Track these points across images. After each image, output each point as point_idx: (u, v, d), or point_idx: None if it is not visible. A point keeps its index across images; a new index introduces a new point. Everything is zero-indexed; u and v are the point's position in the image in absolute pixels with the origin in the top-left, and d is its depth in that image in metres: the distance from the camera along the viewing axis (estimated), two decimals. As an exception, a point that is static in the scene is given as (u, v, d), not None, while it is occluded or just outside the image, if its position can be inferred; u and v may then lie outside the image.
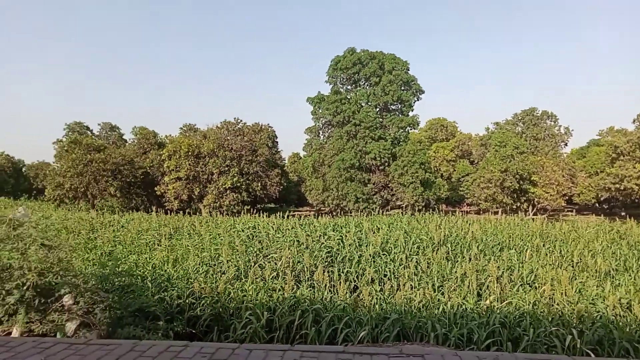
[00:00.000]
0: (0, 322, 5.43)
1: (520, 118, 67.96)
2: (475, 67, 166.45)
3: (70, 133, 59.36)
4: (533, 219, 22.14)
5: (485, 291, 8.81)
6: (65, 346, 3.88)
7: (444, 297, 8.23)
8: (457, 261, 11.28)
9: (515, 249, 12.85)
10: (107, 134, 65.32)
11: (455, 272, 9.90)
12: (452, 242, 13.21)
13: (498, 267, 9.89)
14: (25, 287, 5.47)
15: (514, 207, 44.63)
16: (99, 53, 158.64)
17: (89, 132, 62.86)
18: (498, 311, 7.38)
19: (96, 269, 7.69)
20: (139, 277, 8.75)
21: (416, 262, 10.81)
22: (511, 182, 43.94)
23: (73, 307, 5.69)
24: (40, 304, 5.56)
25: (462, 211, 30.39)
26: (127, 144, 61.43)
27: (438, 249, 12.26)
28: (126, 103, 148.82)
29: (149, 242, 15.09)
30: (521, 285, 9.45)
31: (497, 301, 8.04)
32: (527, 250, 12.32)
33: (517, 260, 11.37)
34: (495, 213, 40.42)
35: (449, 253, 11.99)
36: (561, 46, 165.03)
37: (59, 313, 5.58)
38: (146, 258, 12.09)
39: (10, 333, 5.40)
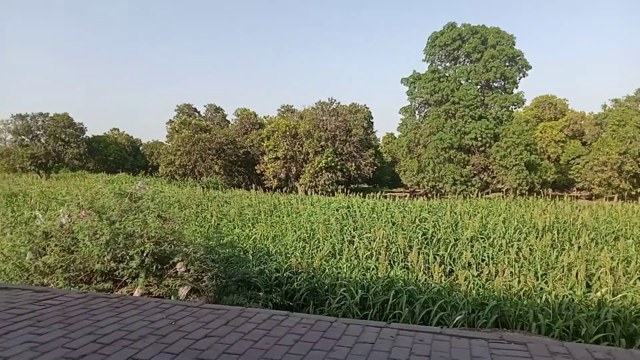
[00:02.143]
0: (125, 283, 6.13)
1: (644, 93, 60.52)
2: (591, 37, 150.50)
3: (180, 114, 64.08)
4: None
5: (595, 282, 8.16)
6: (182, 308, 4.32)
7: (547, 287, 7.78)
8: (564, 249, 10.54)
9: (633, 239, 11.67)
10: (212, 115, 69.46)
11: (562, 260, 9.28)
12: (558, 229, 12.34)
13: (612, 257, 9.09)
14: (144, 254, 6.12)
15: (633, 193, 40.25)
16: (204, 40, 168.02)
17: (196, 114, 67.37)
18: (610, 304, 6.82)
19: (203, 240, 8.32)
20: (241, 250, 9.36)
21: (517, 248, 10.29)
22: (631, 166, 39.56)
23: (185, 274, 6.25)
24: (157, 270, 6.18)
25: (571, 196, 28.08)
26: (229, 124, 64.97)
27: (542, 235, 11.53)
28: (229, 85, 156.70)
29: (250, 217, 15.98)
30: (639, 278, 8.61)
31: (610, 294, 7.42)
32: (647, 240, 11.16)
33: (636, 251, 10.33)
34: (610, 199, 36.81)
35: (554, 240, 11.24)
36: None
37: (173, 279, 6.16)
38: (248, 233, 12.86)
39: (132, 293, 6.09)
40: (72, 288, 5.71)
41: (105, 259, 5.95)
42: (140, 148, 74.66)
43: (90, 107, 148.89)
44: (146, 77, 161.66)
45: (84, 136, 60.51)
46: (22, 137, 55.53)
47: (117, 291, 5.89)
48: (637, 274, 8.71)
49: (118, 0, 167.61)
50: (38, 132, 56.82)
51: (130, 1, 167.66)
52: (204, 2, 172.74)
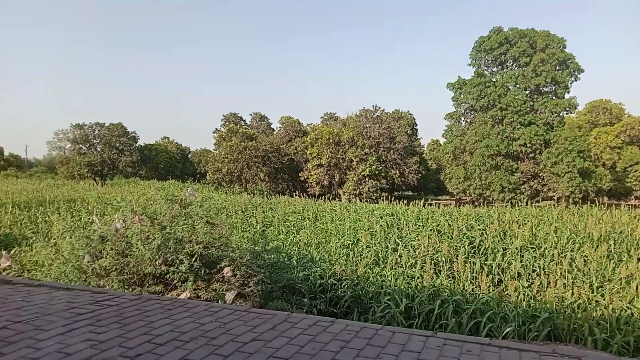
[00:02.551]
0: (175, 286, 6.35)
1: None
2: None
3: (227, 123, 65.75)
4: None
5: (658, 297, 7.71)
6: (230, 312, 4.43)
7: (603, 299, 7.42)
8: (622, 261, 10.01)
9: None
10: (258, 124, 70.86)
11: (619, 272, 8.82)
12: (615, 239, 11.73)
13: (676, 270, 8.55)
14: (193, 258, 6.32)
15: (700, 202, 37.69)
16: (250, 48, 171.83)
17: (242, 122, 68.95)
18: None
19: (250, 245, 8.49)
20: (286, 256, 9.48)
21: (570, 258, 9.87)
22: (697, 173, 37.12)
23: (231, 279, 6.40)
24: (205, 274, 6.36)
25: (629, 205, 26.61)
26: (274, 132, 66.01)
27: (597, 245, 11.00)
28: (273, 93, 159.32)
29: (294, 224, 16.14)
30: None
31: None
32: None
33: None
34: (674, 209, 34.54)
35: (611, 251, 10.70)
36: None
37: (220, 283, 6.32)
38: (292, 239, 13.00)
39: (181, 296, 6.29)
40: (126, 290, 5.97)
41: (157, 263, 6.19)
42: (189, 156, 77.03)
43: (141, 117, 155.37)
44: (195, 87, 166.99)
45: (137, 144, 63.12)
46: (80, 145, 58.62)
47: (167, 294, 6.11)
48: None
49: (165, 12, 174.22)
50: (94, 140, 59.83)
51: (176, 12, 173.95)
52: (251, 11, 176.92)
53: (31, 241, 9.78)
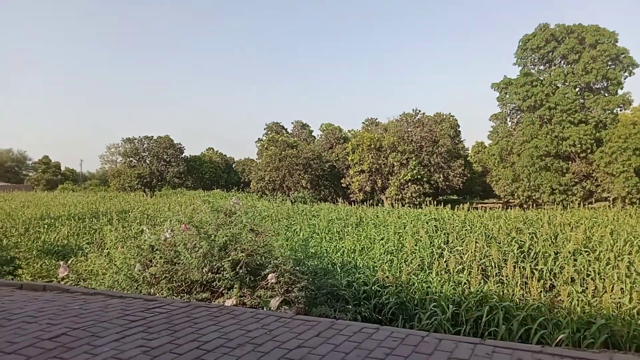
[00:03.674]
0: (221, 294, 6.48)
1: None
2: None
3: (269, 132, 66.81)
4: None
5: None
6: (275, 319, 4.49)
7: (667, 306, 6.98)
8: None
9: None
10: (299, 132, 71.59)
11: (684, 276, 8.29)
12: (679, 242, 11.04)
13: None
14: (238, 266, 6.44)
15: None
16: (288, 58, 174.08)
17: (284, 131, 69.87)
18: None
19: (293, 252, 8.55)
20: (329, 262, 9.49)
21: (628, 262, 9.35)
22: None
23: (275, 286, 6.46)
24: (251, 281, 6.46)
25: (694, 205, 24.99)
26: (315, 139, 66.46)
27: (659, 248, 10.39)
28: (315, 101, 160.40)
29: (338, 230, 16.14)
30: None
31: None
32: None
33: None
34: None
35: (673, 254, 10.07)
36: None
37: (264, 290, 6.40)
38: (335, 245, 13.00)
39: (226, 303, 6.41)
40: (175, 297, 6.16)
41: (203, 271, 6.35)
42: (233, 165, 78.77)
43: (186, 129, 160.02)
44: (238, 97, 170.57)
45: (183, 156, 65.15)
46: (130, 158, 61.16)
47: (214, 301, 6.24)
48: None
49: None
50: (144, 153, 62.25)
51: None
52: (292, 19, 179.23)
53: (86, 251, 10.28)
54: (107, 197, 41.12)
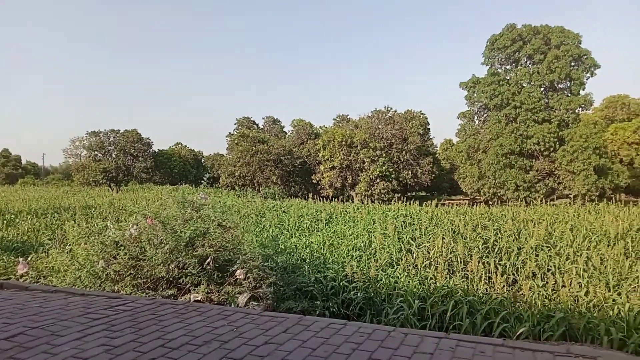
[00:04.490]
0: (188, 290, 6.39)
1: None
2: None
3: (239, 127, 66.15)
4: None
5: (677, 295, 7.54)
6: (243, 315, 4.45)
7: (620, 298, 7.28)
8: (639, 258, 9.84)
9: None
10: (270, 127, 71.13)
11: (637, 270, 8.66)
12: (632, 237, 11.52)
13: (696, 268, 8.37)
14: (206, 262, 6.36)
15: None
16: (262, 52, 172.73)
17: (255, 126, 69.29)
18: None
19: (262, 248, 8.51)
20: (298, 258, 9.49)
21: (586, 257, 9.71)
22: None
23: (244, 282, 6.42)
24: (218, 277, 6.40)
25: (648, 202, 26.24)
26: (286, 135, 66.21)
27: (614, 244, 10.82)
28: (286, 96, 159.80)
29: (307, 226, 16.16)
30: None
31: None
32: None
33: None
34: (695, 205, 33.86)
35: (628, 249, 10.51)
36: None
37: (232, 286, 6.35)
38: (305, 241, 13.00)
39: (195, 300, 6.33)
40: (140, 294, 6.03)
41: (170, 267, 6.24)
42: (202, 160, 77.64)
43: (155, 124, 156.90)
44: (207, 92, 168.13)
45: (151, 150, 63.76)
46: (96, 152, 59.43)
47: (180, 298, 6.15)
48: None
49: (179, 17, 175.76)
50: (109, 147, 60.58)
51: (190, 19, 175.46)
52: (260, 15, 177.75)
53: (47, 248, 9.94)
54: (71, 192, 39.92)
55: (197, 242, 6.52)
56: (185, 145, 78.36)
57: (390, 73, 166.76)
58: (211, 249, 6.40)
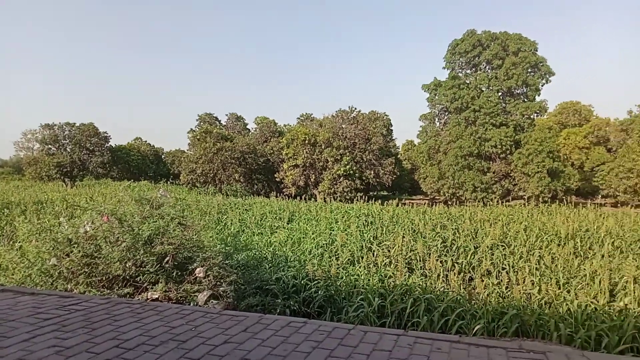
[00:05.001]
0: (145, 288, 6.24)
1: (673, 99, 58.91)
2: (619, 44, 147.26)
3: (201, 123, 64.97)
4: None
5: (619, 292, 7.97)
6: (201, 314, 4.38)
7: (569, 295, 7.63)
8: (587, 257, 10.33)
9: (660, 248, 11.36)
10: (233, 124, 70.24)
11: (584, 269, 9.09)
12: (581, 237, 12.09)
13: (637, 266, 8.86)
14: (165, 260, 6.23)
15: (662, 200, 39.22)
16: (226, 50, 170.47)
17: (217, 123, 68.22)
18: (635, 315, 6.65)
19: (223, 246, 8.40)
20: (260, 256, 9.43)
21: (538, 256, 10.12)
22: (659, 173, 38.60)
23: (204, 280, 6.33)
24: (177, 276, 6.28)
25: (595, 204, 27.54)
26: (250, 132, 65.58)
27: (565, 243, 11.32)
28: (250, 94, 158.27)
29: (270, 224, 16.07)
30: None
31: (635, 304, 7.24)
32: (676, 249, 10.83)
33: (663, 260, 10.05)
34: (637, 207, 35.88)
35: (577, 248, 11.02)
36: None
37: (192, 284, 6.25)
38: (267, 240, 12.93)
39: (153, 299, 6.18)
40: (95, 293, 5.84)
41: (127, 265, 6.07)
42: (163, 156, 75.83)
43: (114, 117, 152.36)
44: (168, 88, 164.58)
45: (108, 145, 61.72)
46: (49, 146, 56.97)
47: (138, 296, 6.00)
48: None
49: (138, 12, 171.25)
50: (64, 141, 58.22)
51: (149, 13, 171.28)
52: (225, 13, 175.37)
53: (-5, 244, 9.46)
54: (22, 187, 38.15)
55: (156, 240, 6.37)
56: (145, 141, 76.36)
57: (354, 74, 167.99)
58: (170, 247, 6.27)
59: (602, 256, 10.23)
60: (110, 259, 6.01)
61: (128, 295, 5.92)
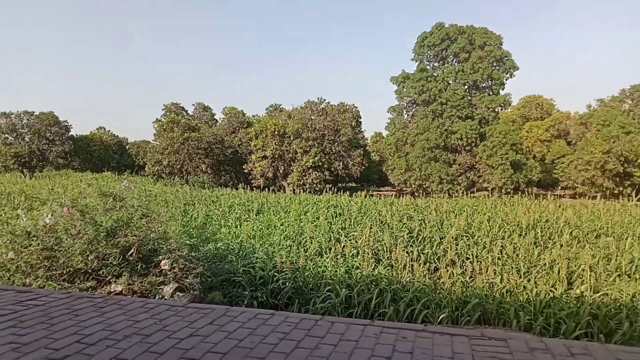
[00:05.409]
0: (108, 282, 6.10)
1: (628, 94, 61.41)
2: (579, 40, 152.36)
3: (168, 113, 63.55)
4: (637, 205, 20.23)
5: (577, 280, 8.32)
6: (167, 307, 4.31)
7: (529, 284, 7.91)
8: (547, 247, 10.71)
9: (613, 237, 11.88)
10: (201, 114, 69.06)
11: (544, 258, 9.44)
12: (541, 227, 12.52)
13: (593, 255, 9.25)
14: (129, 252, 6.09)
15: (616, 192, 40.95)
16: (192, 39, 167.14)
17: (184, 112, 66.89)
18: (590, 301, 6.96)
19: (189, 238, 8.30)
20: (227, 248, 9.35)
21: (501, 246, 10.43)
22: (614, 165, 40.23)
23: (169, 273, 6.23)
24: (142, 269, 6.16)
25: (555, 195, 28.61)
26: (217, 123, 64.64)
27: (526, 233, 11.70)
28: (217, 84, 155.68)
29: (238, 216, 15.95)
30: (618, 275, 8.77)
31: (591, 291, 7.57)
32: (627, 238, 11.35)
33: (616, 248, 10.53)
34: (594, 198, 37.35)
35: (537, 238, 11.41)
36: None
37: (157, 277, 6.14)
38: (235, 231, 12.83)
39: (117, 293, 6.04)
40: (55, 287, 5.66)
41: (89, 258, 5.91)
42: (127, 147, 73.88)
43: (76, 106, 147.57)
44: (133, 76, 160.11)
45: (69, 135, 59.66)
46: (6, 135, 54.65)
47: (100, 290, 5.85)
48: (617, 272, 8.89)
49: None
50: (22, 130, 55.94)
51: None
52: (193, 2, 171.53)
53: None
54: (-24, 178, 36.50)
55: (119, 232, 6.22)
56: (109, 130, 74.21)
57: (324, 65, 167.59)
58: (135, 239, 6.14)
59: (561, 246, 10.63)
60: (71, 251, 5.83)
61: (90, 289, 5.77)
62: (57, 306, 4.26)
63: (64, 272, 5.92)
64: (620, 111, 54.23)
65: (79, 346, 3.24)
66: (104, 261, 5.91)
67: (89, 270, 5.93)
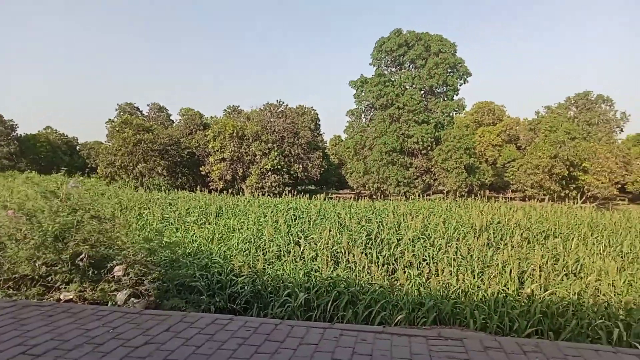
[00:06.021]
0: (58, 289, 5.83)
1: (573, 102, 64.81)
2: (527, 48, 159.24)
3: (121, 113, 61.57)
4: (582, 207, 21.32)
5: (527, 279, 8.66)
6: (120, 315, 4.16)
7: (483, 284, 8.16)
8: (499, 248, 11.10)
9: (561, 238, 12.47)
10: (156, 115, 67.30)
11: (497, 259, 9.76)
12: (494, 229, 12.97)
13: (542, 255, 9.66)
14: (79, 257, 5.83)
15: (562, 194, 43.04)
16: (147, 38, 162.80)
17: (138, 113, 65.00)
18: (540, 300, 7.26)
19: (144, 242, 8.06)
20: (184, 252, 9.13)
21: (456, 247, 10.71)
22: (560, 169, 42.27)
23: (123, 278, 6.02)
24: (94, 274, 5.91)
25: (506, 198, 29.71)
26: (174, 124, 63.19)
27: (479, 235, 12.08)
28: (173, 84, 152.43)
29: (195, 220, 15.63)
30: (566, 274, 9.21)
31: (540, 290, 7.90)
32: (573, 239, 11.95)
33: (563, 249, 11.05)
34: (542, 200, 39.12)
35: (490, 240, 11.80)
36: (621, 25, 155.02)
37: (110, 283, 5.92)
38: (192, 235, 12.56)
39: (66, 300, 5.78)
40: (-2, 296, 5.35)
41: (36, 264, 5.62)
42: (77, 148, 71.03)
43: (24, 105, 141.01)
44: (85, 75, 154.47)
45: (15, 134, 56.78)
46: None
47: (49, 297, 5.58)
48: (564, 271, 9.32)
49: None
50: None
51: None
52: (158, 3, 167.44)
53: None
54: None
55: (68, 237, 5.94)
56: (56, 130, 71.03)
57: (282, 68, 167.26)
58: (85, 244, 5.89)
59: (512, 247, 11.04)
60: (16, 258, 5.53)
61: (38, 297, 5.49)
62: (1, 315, 4.04)
63: (9, 279, 5.61)
64: (566, 118, 57.13)
65: (25, 358, 3.08)
66: (52, 267, 5.63)
67: (37, 277, 5.65)
